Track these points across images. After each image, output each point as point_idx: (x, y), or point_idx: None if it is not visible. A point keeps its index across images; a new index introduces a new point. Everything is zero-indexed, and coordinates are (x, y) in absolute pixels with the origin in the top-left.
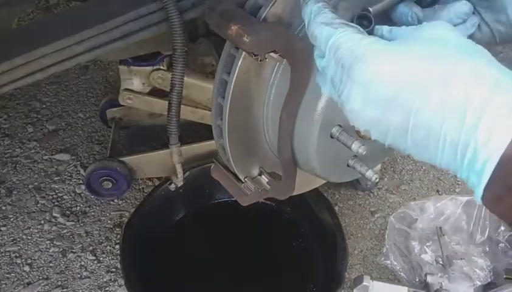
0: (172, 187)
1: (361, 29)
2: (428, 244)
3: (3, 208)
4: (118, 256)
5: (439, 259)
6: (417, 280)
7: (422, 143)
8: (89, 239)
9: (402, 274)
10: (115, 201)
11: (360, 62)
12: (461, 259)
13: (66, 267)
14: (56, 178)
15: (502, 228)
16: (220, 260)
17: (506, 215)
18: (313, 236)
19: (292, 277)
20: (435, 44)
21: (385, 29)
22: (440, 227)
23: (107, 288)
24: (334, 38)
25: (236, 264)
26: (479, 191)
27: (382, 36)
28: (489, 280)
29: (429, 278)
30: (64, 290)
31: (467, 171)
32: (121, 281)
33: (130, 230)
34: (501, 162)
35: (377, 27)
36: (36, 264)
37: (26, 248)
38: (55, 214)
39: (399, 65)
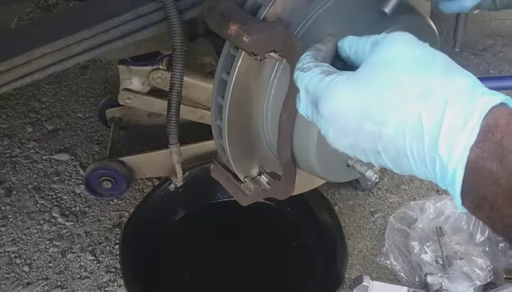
0: (171, 187)
1: (330, 67)
2: (428, 244)
3: (3, 208)
4: (117, 256)
5: (439, 259)
6: (417, 280)
7: (397, 162)
8: (88, 240)
9: (402, 274)
10: (115, 201)
11: (321, 101)
12: (461, 259)
13: (66, 267)
14: (55, 178)
15: None
16: (220, 260)
17: (486, 221)
18: (313, 236)
19: (292, 277)
20: (387, 68)
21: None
22: (440, 227)
23: (106, 288)
24: (304, 81)
25: (235, 265)
26: (458, 200)
27: (348, 59)
28: (489, 280)
29: (429, 278)
30: (63, 290)
31: (443, 183)
32: (121, 282)
33: (129, 230)
34: (467, 173)
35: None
36: (35, 264)
37: (25, 248)
38: (54, 214)
39: (354, 98)
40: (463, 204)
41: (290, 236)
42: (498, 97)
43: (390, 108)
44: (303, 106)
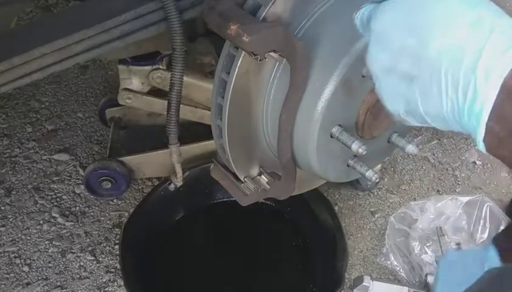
0: (171, 187)
1: None
2: (428, 244)
3: (2, 208)
4: (117, 256)
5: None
6: (417, 280)
7: (427, 91)
8: (88, 240)
9: (402, 274)
10: (114, 201)
11: (374, 17)
12: None
13: (65, 267)
14: (55, 178)
15: (502, 228)
16: (219, 260)
17: (508, 158)
18: (313, 236)
19: (292, 277)
20: None
21: None
22: (440, 227)
23: (106, 288)
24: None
25: (235, 264)
26: (480, 134)
27: None
28: None
29: (429, 279)
30: (63, 290)
31: (468, 115)
32: (121, 282)
33: (129, 230)
34: (500, 99)
35: None
36: (35, 264)
37: (25, 248)
38: (54, 214)
39: (405, 13)
40: (483, 139)
41: (290, 236)
42: None
43: (437, 29)
44: (360, 23)
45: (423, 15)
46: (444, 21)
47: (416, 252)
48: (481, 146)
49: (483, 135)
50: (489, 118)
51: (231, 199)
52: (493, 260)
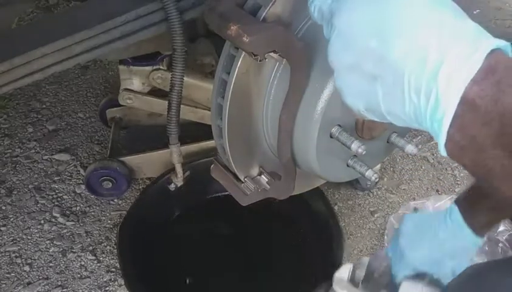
0: (172, 186)
1: None
2: None
3: (3, 208)
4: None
5: None
6: None
7: (390, 93)
8: (89, 239)
9: None
10: (115, 200)
11: (337, 13)
12: None
13: (66, 267)
14: (56, 178)
15: (501, 228)
16: (218, 254)
17: (469, 166)
18: (307, 225)
19: (291, 270)
20: None
21: None
22: None
23: (107, 288)
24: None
25: (234, 260)
26: (441, 140)
27: None
28: None
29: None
30: (64, 290)
31: (430, 120)
32: (121, 281)
33: (126, 227)
34: (461, 109)
35: None
36: (36, 264)
37: (26, 248)
38: (54, 214)
39: (369, 12)
40: (445, 145)
41: (284, 227)
42: (501, 42)
43: (401, 29)
44: (317, 16)
45: (388, 14)
46: (407, 23)
47: None
48: (443, 152)
49: (444, 141)
50: (450, 126)
51: (227, 193)
52: (456, 219)
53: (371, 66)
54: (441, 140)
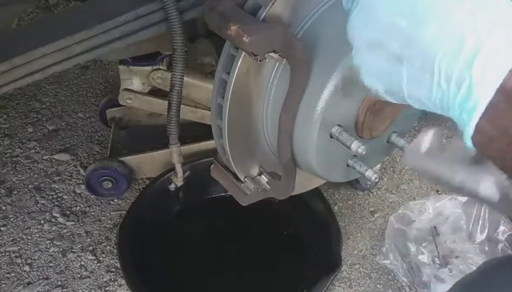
0: (172, 186)
1: None
2: (424, 244)
3: (3, 208)
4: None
5: (436, 259)
6: (416, 279)
7: (416, 76)
8: (89, 239)
9: (401, 273)
10: (115, 200)
11: None
12: (457, 257)
13: (66, 267)
14: (56, 178)
15: (501, 228)
16: (218, 254)
17: (496, 158)
18: (305, 222)
19: (289, 265)
20: None
21: None
22: (435, 227)
23: (107, 288)
24: None
25: (233, 259)
26: (469, 131)
27: None
28: None
29: (427, 278)
30: (64, 290)
31: (459, 109)
32: (121, 281)
33: (126, 227)
34: (496, 99)
35: None
36: (36, 264)
37: (26, 248)
38: (54, 214)
39: None
40: (472, 137)
41: (282, 225)
42: None
43: (436, 10)
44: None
45: None
46: (443, 3)
47: (414, 251)
48: (469, 143)
49: (472, 132)
50: (481, 117)
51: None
52: None
53: (398, 47)
54: (469, 130)
